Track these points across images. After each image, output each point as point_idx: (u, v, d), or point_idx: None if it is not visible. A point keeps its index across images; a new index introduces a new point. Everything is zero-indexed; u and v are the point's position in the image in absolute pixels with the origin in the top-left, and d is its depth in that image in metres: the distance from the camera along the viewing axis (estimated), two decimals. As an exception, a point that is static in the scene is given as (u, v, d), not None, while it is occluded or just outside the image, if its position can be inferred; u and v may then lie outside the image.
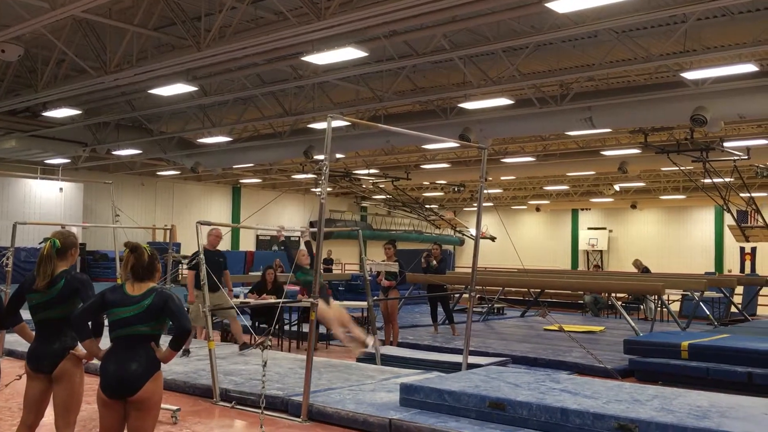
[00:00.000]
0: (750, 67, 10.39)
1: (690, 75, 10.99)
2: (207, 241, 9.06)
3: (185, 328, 3.80)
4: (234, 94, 13.65)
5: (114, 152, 18.94)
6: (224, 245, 25.45)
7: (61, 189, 20.21)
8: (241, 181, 27.78)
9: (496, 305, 16.13)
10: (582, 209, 34.74)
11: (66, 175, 19.07)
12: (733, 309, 15.30)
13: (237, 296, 11.28)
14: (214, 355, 6.89)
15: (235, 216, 28.73)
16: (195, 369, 7.82)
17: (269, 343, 6.04)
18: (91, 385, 4.19)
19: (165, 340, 3.75)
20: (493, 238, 26.95)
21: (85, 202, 21.88)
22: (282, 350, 10.33)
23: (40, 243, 4.20)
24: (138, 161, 21.84)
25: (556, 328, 11.01)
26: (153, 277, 3.86)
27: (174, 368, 7.64)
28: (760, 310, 16.75)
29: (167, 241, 13.99)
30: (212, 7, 9.65)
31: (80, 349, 4.00)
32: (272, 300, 10.30)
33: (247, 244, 28.82)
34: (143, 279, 3.82)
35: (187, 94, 13.32)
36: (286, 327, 11.39)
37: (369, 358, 8.86)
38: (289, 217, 30.42)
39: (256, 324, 10.74)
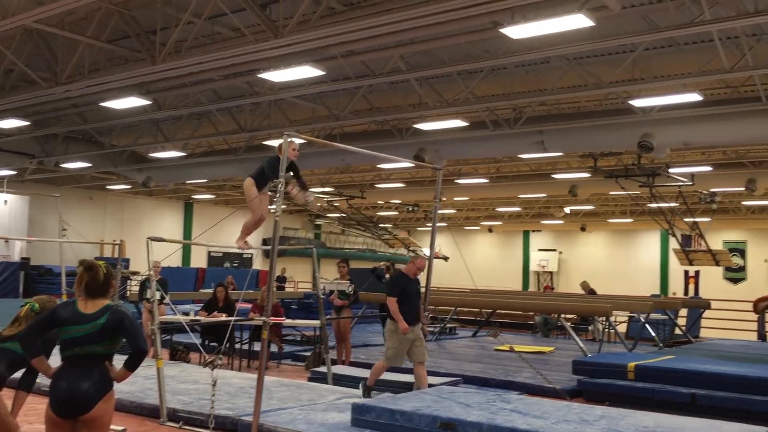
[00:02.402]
0: (694, 97, 10.77)
1: (638, 102, 11.33)
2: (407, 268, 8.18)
3: (141, 348, 3.71)
4: (189, 109, 13.52)
5: (62, 165, 18.51)
6: (174, 261, 25.19)
7: (5, 201, 19.63)
8: (193, 196, 27.42)
9: (448, 325, 16.20)
10: (533, 231, 35.31)
11: (11, 188, 18.55)
12: (678, 331, 15.68)
13: (187, 314, 11.08)
14: (162, 373, 6.76)
15: (187, 232, 28.31)
16: (142, 388, 7.64)
17: (220, 361, 5.96)
18: (33, 404, 4.06)
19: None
20: (446, 258, 27.12)
21: (31, 215, 21.28)
22: (232, 369, 10.18)
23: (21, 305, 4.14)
24: (87, 174, 21.38)
25: (507, 349, 11.13)
26: (107, 294, 3.77)
27: (120, 387, 7.40)
28: (703, 333, 17.21)
29: (116, 256, 13.70)
30: (168, 21, 9.57)
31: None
32: (223, 318, 10.16)
33: (199, 260, 28.40)
34: (97, 296, 3.72)
35: (140, 108, 13.13)
36: (237, 345, 11.23)
37: (321, 378, 8.80)
38: (242, 234, 30.07)
39: (206, 342, 10.57)
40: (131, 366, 3.70)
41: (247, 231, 7.40)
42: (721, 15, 8.00)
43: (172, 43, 9.31)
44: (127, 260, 19.29)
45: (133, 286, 18.13)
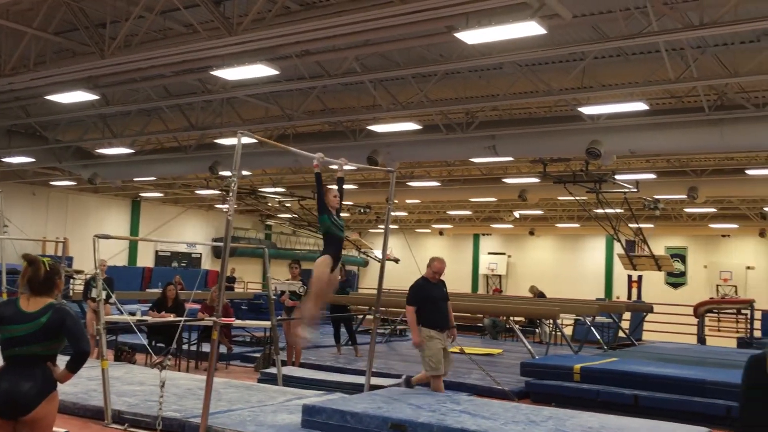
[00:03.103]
0: (641, 106, 11.07)
1: (586, 110, 11.58)
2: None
3: (83, 349, 3.62)
4: (138, 104, 13.26)
5: (4, 159, 17.92)
6: (120, 260, 24.65)
7: (-58, 196, 18.89)
8: (141, 194, 26.86)
9: (398, 327, 16.26)
10: (483, 234, 35.70)
11: (-52, 182, 17.87)
12: (621, 334, 16.07)
13: (133, 313, 10.86)
14: (107, 374, 6.60)
15: (134, 231, 27.71)
16: (85, 389, 7.45)
17: (168, 362, 5.85)
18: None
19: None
20: (397, 260, 27.21)
21: (-31, 210, 20.54)
22: (180, 370, 10.01)
23: None
24: (30, 170, 20.74)
25: (457, 350, 11.22)
26: (51, 292, 3.65)
27: (63, 388, 7.19)
28: (645, 336, 17.68)
29: (59, 254, 13.32)
30: (118, 15, 9.37)
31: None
32: (172, 318, 9.98)
33: (146, 259, 27.84)
34: (40, 294, 3.61)
35: (88, 103, 12.82)
36: (185, 346, 11.05)
37: (270, 379, 8.73)
38: (192, 234, 29.65)
39: (153, 343, 10.36)
40: (73, 368, 3.61)
41: (311, 317, 6.41)
42: (668, 27, 8.24)
43: (122, 37, 9.12)
44: (71, 259, 18.79)
45: (77, 285, 17.69)
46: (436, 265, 7.75)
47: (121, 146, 16.67)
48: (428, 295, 7.63)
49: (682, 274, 30.27)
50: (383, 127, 13.44)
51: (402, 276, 26.26)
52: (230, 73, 10.01)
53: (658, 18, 8.12)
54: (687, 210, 25.07)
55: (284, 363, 9.99)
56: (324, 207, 6.34)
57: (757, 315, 16.79)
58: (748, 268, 28.98)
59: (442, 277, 7.84)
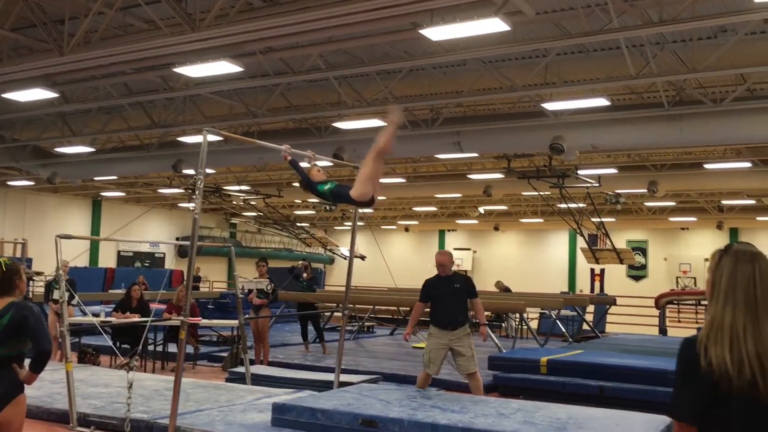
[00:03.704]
0: (602, 102, 11.24)
1: (550, 106, 11.73)
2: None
3: (44, 349, 3.54)
4: (98, 102, 13.03)
5: (-42, 159, 17.46)
6: (81, 261, 24.21)
7: None
8: (102, 194, 26.39)
9: (366, 324, 16.28)
10: (448, 230, 35.89)
11: None
12: (585, 326, 16.32)
13: (97, 315, 10.68)
14: (72, 377, 6.48)
15: (95, 231, 27.23)
16: (49, 393, 7.31)
17: (135, 363, 5.77)
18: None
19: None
20: (363, 257, 27.21)
21: None
22: (146, 371, 9.88)
23: None
24: (-14, 170, 20.26)
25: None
26: (11, 293, 3.58)
27: (26, 391, 7.09)
28: (608, 328, 17.99)
29: (19, 256, 13.02)
30: (77, 11, 9.19)
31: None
32: (137, 318, 9.84)
33: (108, 260, 27.39)
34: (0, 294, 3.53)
35: (46, 101, 12.55)
36: (150, 347, 10.91)
37: (239, 378, 8.67)
38: (155, 233, 29.23)
39: (118, 344, 10.21)
40: (36, 368, 3.54)
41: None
42: (628, 24, 8.38)
43: (81, 34, 8.94)
44: (30, 260, 18.38)
45: (37, 287, 17.32)
46: (437, 259, 7.62)
47: (81, 145, 16.35)
48: (432, 292, 7.53)
49: (643, 266, 30.87)
50: (348, 124, 13.43)
51: (368, 273, 26.36)
52: (193, 70, 9.88)
53: (619, 15, 8.26)
54: (647, 204, 25.55)
55: (252, 362, 9.93)
56: (312, 183, 6.10)
57: (716, 305, 17.17)
58: (707, 260, 29.26)
59: (456, 271, 7.64)
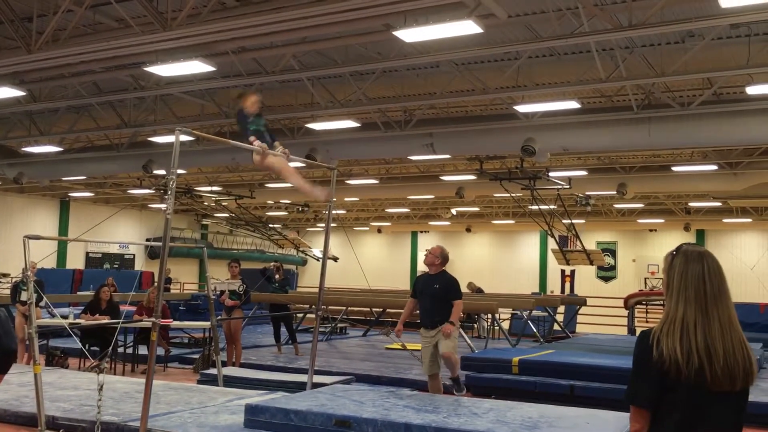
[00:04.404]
0: (573, 104, 11.39)
1: (521, 108, 11.84)
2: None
3: (10, 348, 3.47)
4: (67, 101, 12.84)
5: None
6: (50, 262, 23.83)
7: None
8: (70, 194, 26.00)
9: (339, 325, 16.26)
10: (421, 232, 36.01)
11: None
12: (556, 326, 16.48)
13: (66, 317, 10.51)
14: (40, 379, 6.37)
15: (63, 231, 26.81)
16: (17, 396, 7.18)
17: (105, 365, 5.69)
18: None
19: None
20: (335, 259, 27.18)
21: None
22: (115, 374, 9.75)
23: None
24: (-50, 169, 19.80)
25: (399, 347, 11.31)
26: None
27: (-9, 396, 6.97)
28: (579, 328, 18.18)
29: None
30: (46, 9, 9.05)
31: None
32: (106, 320, 9.71)
33: (76, 261, 26.97)
34: None
35: (13, 99, 12.33)
36: (120, 349, 10.77)
37: (211, 380, 8.60)
38: (124, 234, 28.87)
39: (87, 346, 10.05)
40: (2, 368, 3.46)
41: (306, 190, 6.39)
42: (598, 28, 8.51)
43: (50, 32, 8.80)
44: (-4, 262, 18.07)
45: (3, 289, 17.01)
46: (425, 258, 7.60)
47: (48, 144, 16.10)
48: (417, 289, 7.55)
49: (613, 267, 31.29)
50: (321, 125, 13.41)
51: (341, 274, 26.34)
52: (164, 70, 9.79)
53: (589, 19, 8.37)
54: (616, 206, 25.91)
55: (224, 363, 9.86)
56: (246, 126, 6.06)
57: (683, 306, 17.46)
58: (673, 261, 30.13)
59: (444, 269, 7.55)
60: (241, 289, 10.51)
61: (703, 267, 2.29)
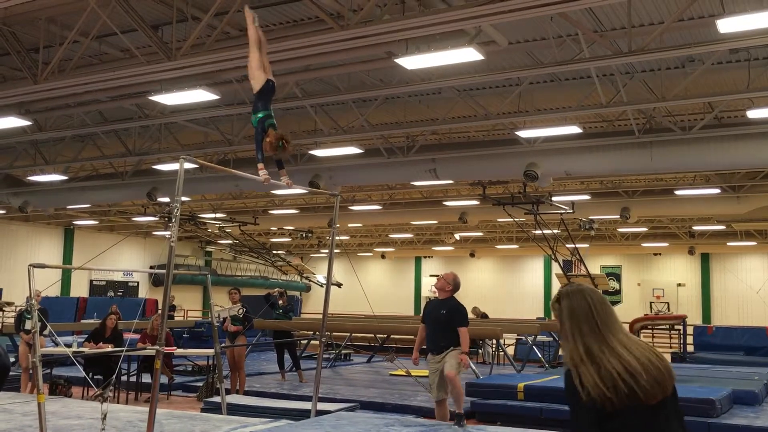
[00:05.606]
0: (574, 129, 11.44)
1: (523, 133, 11.89)
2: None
3: (4, 364, 3.47)
4: (72, 130, 12.95)
5: (-73, 188, 17.17)
6: (54, 291, 23.85)
7: None
8: (75, 222, 26.08)
9: (343, 351, 16.18)
10: (425, 257, 35.97)
11: None
12: (561, 352, 16.35)
13: (70, 345, 10.50)
14: (44, 408, 6.34)
15: (67, 260, 26.85)
16: (20, 425, 7.14)
17: (109, 394, 5.68)
18: None
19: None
20: (339, 285, 27.11)
21: None
22: (119, 402, 9.71)
23: None
24: (-45, 198, 19.90)
25: (403, 373, 11.25)
26: None
27: (-6, 426, 6.94)
28: (584, 352, 18.02)
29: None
30: (52, 40, 9.17)
31: None
32: (110, 348, 9.70)
33: (80, 289, 26.97)
34: None
35: (19, 129, 12.45)
36: (124, 377, 10.73)
37: (215, 408, 8.55)
38: (128, 262, 28.90)
39: (90, 375, 10.04)
40: None
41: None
42: (599, 53, 8.58)
43: (56, 62, 8.91)
44: (0, 290, 18.08)
45: (7, 318, 17.00)
46: (436, 283, 7.67)
47: (53, 173, 16.19)
48: (425, 313, 7.59)
49: (617, 292, 31.13)
50: (325, 152, 13.48)
51: (344, 300, 26.29)
52: (169, 98, 9.89)
53: (589, 45, 8.45)
54: (620, 230, 25.87)
55: (228, 391, 9.81)
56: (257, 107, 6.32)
57: (689, 330, 17.39)
58: (679, 284, 30.05)
59: (454, 295, 7.62)
60: (241, 313, 10.50)
61: (587, 301, 2.37)
